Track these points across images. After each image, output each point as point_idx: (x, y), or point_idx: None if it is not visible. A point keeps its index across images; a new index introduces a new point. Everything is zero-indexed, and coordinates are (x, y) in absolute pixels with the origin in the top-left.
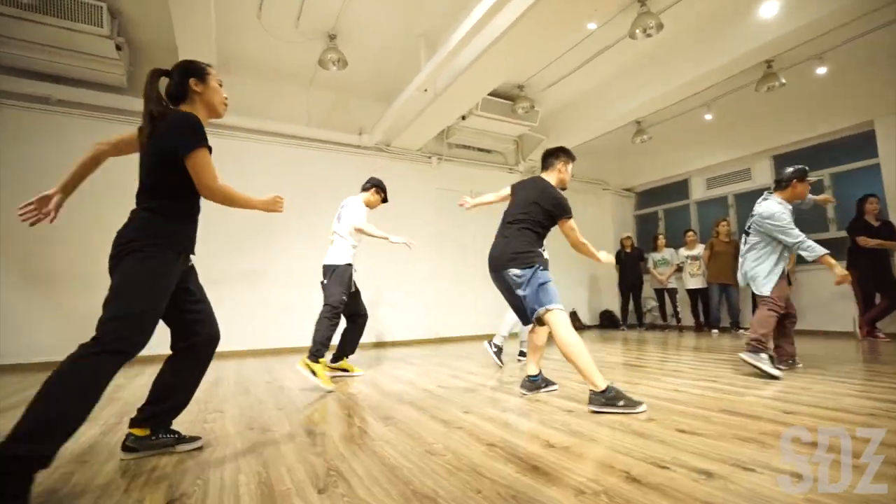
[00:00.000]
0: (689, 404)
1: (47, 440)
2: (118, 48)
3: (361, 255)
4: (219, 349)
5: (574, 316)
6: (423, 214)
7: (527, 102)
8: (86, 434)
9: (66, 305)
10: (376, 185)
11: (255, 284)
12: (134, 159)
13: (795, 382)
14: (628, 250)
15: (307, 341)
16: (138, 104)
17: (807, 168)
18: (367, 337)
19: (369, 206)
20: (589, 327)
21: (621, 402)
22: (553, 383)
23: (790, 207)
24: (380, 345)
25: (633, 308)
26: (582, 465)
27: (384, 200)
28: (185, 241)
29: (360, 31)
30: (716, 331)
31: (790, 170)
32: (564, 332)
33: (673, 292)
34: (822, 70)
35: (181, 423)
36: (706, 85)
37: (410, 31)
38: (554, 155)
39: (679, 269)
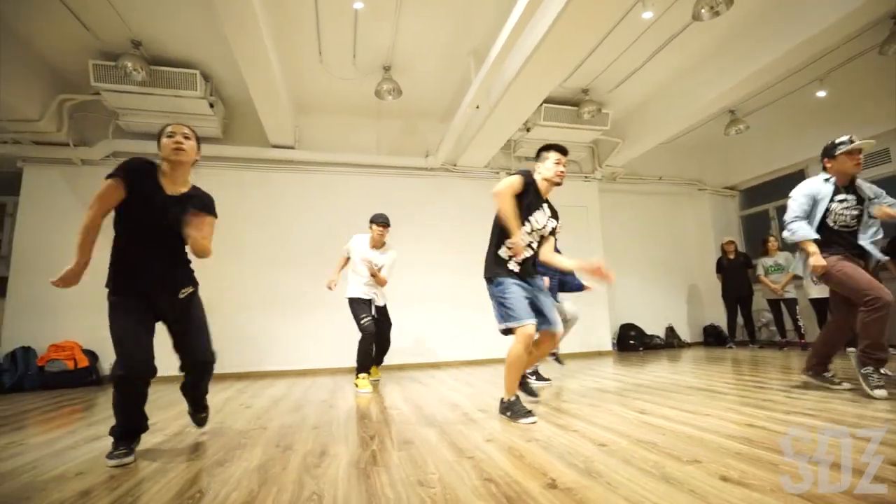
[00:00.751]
0: (756, 444)
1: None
2: (211, 105)
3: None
4: (299, 366)
5: (671, 331)
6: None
7: (593, 106)
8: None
9: None
10: (371, 222)
11: (337, 307)
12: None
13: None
14: (731, 257)
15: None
16: (230, 151)
17: (840, 140)
18: (453, 354)
19: (372, 242)
20: (690, 345)
21: (508, 413)
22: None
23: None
24: (463, 363)
25: (743, 323)
26: None
27: (383, 226)
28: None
29: (413, 59)
30: (851, 348)
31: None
32: (513, 350)
33: (792, 303)
34: None
35: (222, 438)
36: (804, 57)
37: (460, 51)
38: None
39: (798, 277)
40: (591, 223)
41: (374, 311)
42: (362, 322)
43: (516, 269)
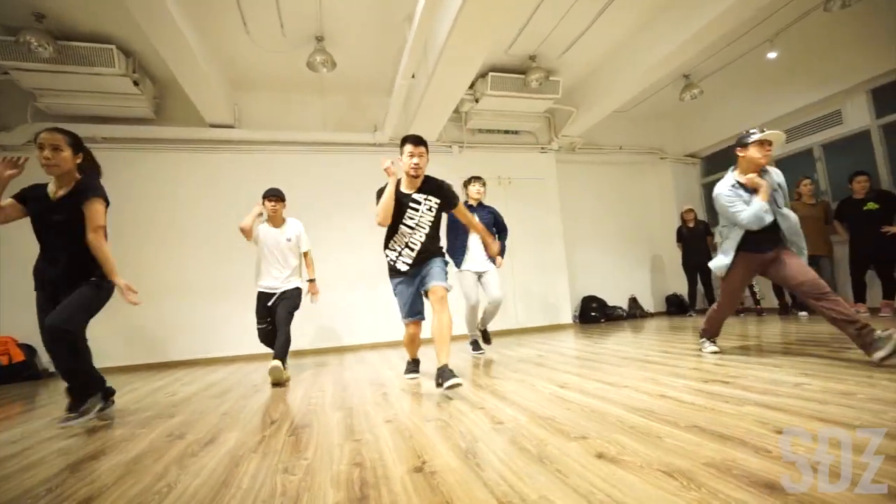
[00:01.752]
0: (656, 416)
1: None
2: (135, 83)
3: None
4: (248, 351)
5: (634, 302)
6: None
7: (540, 73)
8: None
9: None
10: (262, 198)
11: None
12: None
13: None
14: (690, 225)
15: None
16: (166, 132)
17: (752, 131)
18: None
19: (268, 221)
20: (653, 314)
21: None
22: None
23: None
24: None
25: (703, 291)
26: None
27: (271, 198)
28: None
29: (346, 27)
30: (804, 313)
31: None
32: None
33: None
34: None
35: (119, 430)
36: (750, 12)
37: (394, 18)
38: None
39: None
40: (549, 195)
41: (277, 297)
42: (258, 328)
43: (404, 268)
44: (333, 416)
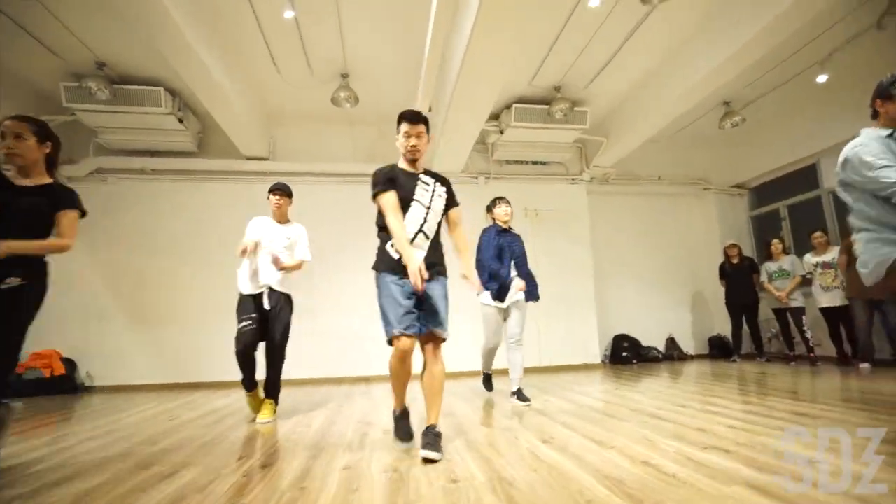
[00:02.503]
0: (623, 488)
1: None
2: (180, 120)
3: None
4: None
5: (672, 342)
6: (476, 237)
7: (565, 104)
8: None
9: (158, 340)
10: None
11: (318, 315)
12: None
13: None
14: (735, 261)
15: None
16: (203, 164)
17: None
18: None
19: (272, 215)
20: (693, 357)
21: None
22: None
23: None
24: None
25: (749, 333)
26: None
27: (276, 192)
28: None
29: (369, 64)
30: (866, 364)
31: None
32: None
33: (798, 312)
34: None
35: (95, 455)
36: (796, 26)
37: (414, 53)
38: None
39: (806, 282)
40: (579, 227)
41: (266, 303)
42: (238, 328)
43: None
44: (300, 456)
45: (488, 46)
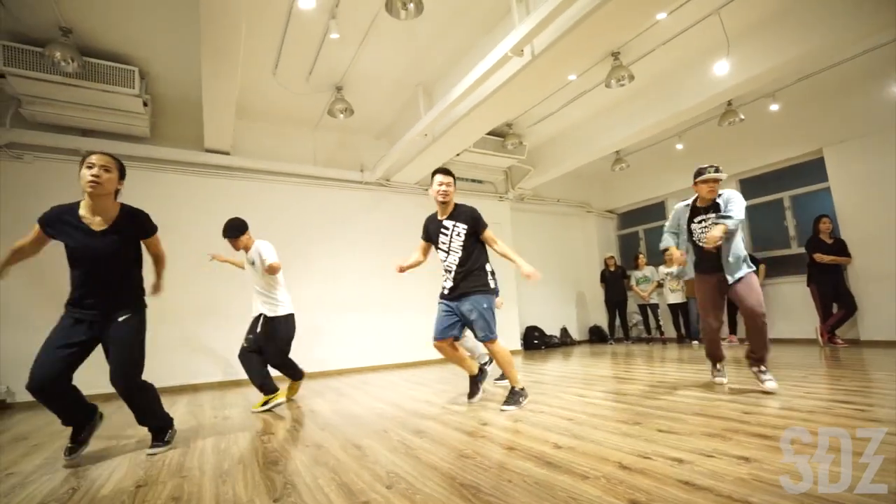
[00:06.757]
0: (669, 409)
1: None
2: (145, 104)
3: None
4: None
5: (564, 331)
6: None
7: (515, 139)
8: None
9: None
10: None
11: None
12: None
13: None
14: (612, 269)
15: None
16: (159, 152)
17: (703, 168)
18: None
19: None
20: (579, 342)
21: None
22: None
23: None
24: (397, 366)
25: (619, 323)
26: (583, 459)
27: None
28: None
29: (364, 82)
30: (696, 342)
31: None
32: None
33: (655, 307)
34: (775, 107)
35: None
36: (675, 122)
37: (409, 81)
38: None
39: (660, 286)
40: (504, 237)
41: (259, 326)
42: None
43: (445, 291)
44: (298, 455)
45: (503, 99)
